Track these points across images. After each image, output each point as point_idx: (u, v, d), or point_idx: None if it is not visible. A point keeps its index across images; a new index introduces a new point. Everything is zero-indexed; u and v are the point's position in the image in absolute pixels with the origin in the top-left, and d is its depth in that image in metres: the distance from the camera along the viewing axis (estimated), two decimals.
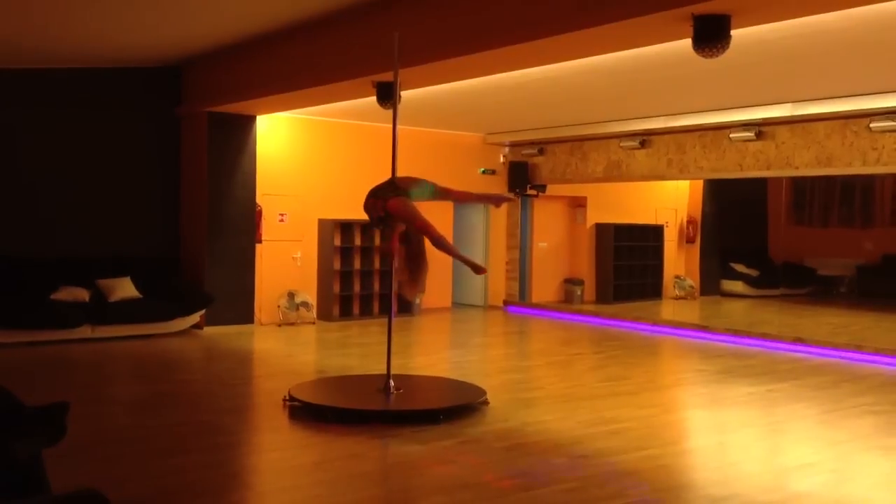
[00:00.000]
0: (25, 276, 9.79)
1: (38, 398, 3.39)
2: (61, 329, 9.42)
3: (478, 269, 6.43)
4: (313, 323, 11.76)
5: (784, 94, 9.66)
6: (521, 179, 13.98)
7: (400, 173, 6.88)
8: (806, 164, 10.65)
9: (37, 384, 7.40)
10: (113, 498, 2.80)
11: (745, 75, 8.33)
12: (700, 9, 5.33)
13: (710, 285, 16.25)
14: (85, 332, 9.64)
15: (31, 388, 6.76)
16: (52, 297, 9.67)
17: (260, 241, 11.47)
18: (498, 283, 14.50)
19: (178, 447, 5.56)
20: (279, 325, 11.48)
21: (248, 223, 11.27)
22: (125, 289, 10.18)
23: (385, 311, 12.16)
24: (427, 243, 6.31)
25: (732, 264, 16.54)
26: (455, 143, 13.64)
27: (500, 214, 14.47)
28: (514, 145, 14.21)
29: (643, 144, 12.50)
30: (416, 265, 6.47)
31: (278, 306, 11.61)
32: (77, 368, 8.63)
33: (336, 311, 12.13)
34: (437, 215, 13.22)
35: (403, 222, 6.32)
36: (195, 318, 10.63)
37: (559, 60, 7.28)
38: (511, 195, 13.45)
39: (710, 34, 5.51)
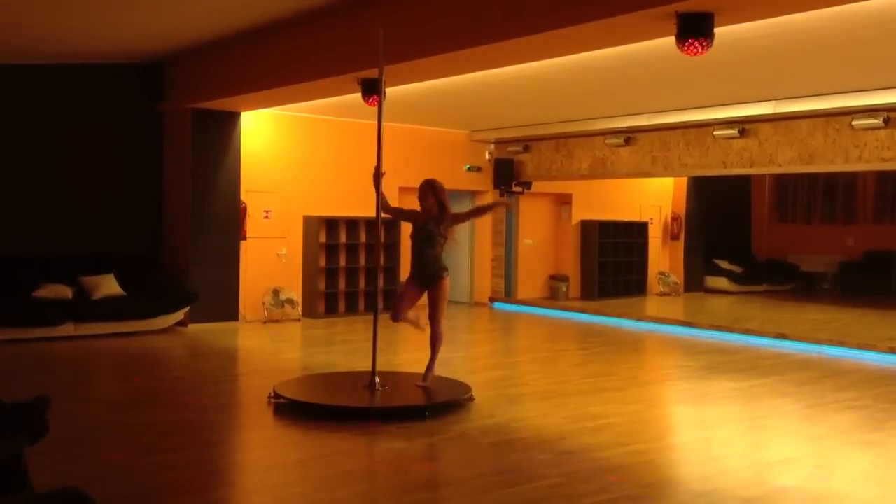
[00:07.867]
0: (7, 274, 9.71)
1: (19, 397, 3.36)
2: (44, 327, 9.34)
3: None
4: (298, 320, 11.73)
5: (767, 92, 9.72)
6: (507, 176, 14.00)
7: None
8: (789, 161, 10.72)
9: (18, 382, 7.34)
10: (96, 496, 2.79)
11: (728, 73, 8.37)
12: (684, 7, 5.35)
13: (694, 282, 16.33)
14: (68, 329, 9.58)
15: (13, 386, 6.72)
16: (35, 294, 9.60)
17: (244, 238, 11.43)
18: (483, 279, 14.52)
19: (161, 445, 5.54)
20: (264, 323, 11.44)
21: (232, 220, 11.23)
22: (108, 286, 10.12)
23: (370, 308, 12.14)
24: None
25: (716, 261, 16.64)
26: (440, 139, 13.63)
27: None
28: (499, 142, 14.22)
29: (628, 142, 12.54)
30: None
31: (263, 303, 11.57)
32: (60, 366, 8.57)
33: (321, 308, 12.11)
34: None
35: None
36: (179, 315, 10.58)
37: (544, 58, 7.29)
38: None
39: (694, 32, 5.54)
